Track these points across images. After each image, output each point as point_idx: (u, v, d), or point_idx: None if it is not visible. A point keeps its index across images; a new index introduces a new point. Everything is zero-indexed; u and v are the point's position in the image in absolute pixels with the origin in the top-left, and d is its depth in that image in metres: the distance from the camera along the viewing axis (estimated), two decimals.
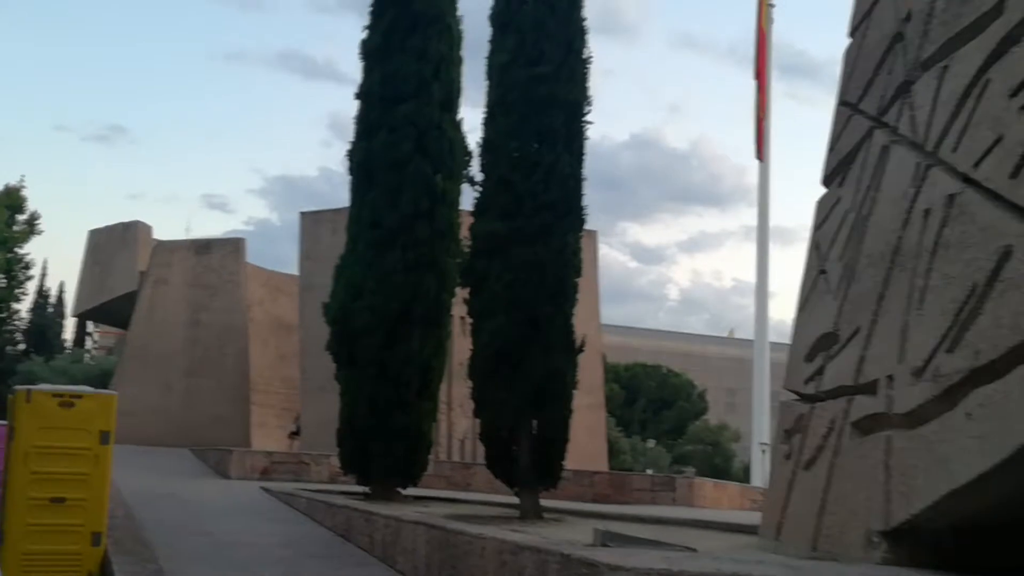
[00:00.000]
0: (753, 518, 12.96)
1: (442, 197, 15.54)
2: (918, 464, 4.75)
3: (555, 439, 13.31)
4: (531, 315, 13.07)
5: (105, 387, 31.99)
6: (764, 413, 37.66)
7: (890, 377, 5.13)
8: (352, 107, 16.18)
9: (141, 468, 18.30)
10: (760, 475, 35.54)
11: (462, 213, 15.68)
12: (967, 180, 4.81)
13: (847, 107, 6.72)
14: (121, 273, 35.35)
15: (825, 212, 6.76)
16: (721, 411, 77.33)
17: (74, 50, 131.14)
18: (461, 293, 14.68)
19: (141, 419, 29.28)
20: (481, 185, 13.86)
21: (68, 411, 9.29)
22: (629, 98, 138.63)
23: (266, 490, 16.57)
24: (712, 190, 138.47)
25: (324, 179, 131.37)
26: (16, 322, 53.32)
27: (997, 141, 4.56)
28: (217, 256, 32.03)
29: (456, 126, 16.06)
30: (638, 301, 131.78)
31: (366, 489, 15.41)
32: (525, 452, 13.17)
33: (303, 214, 27.53)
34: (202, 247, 32.40)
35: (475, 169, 14.23)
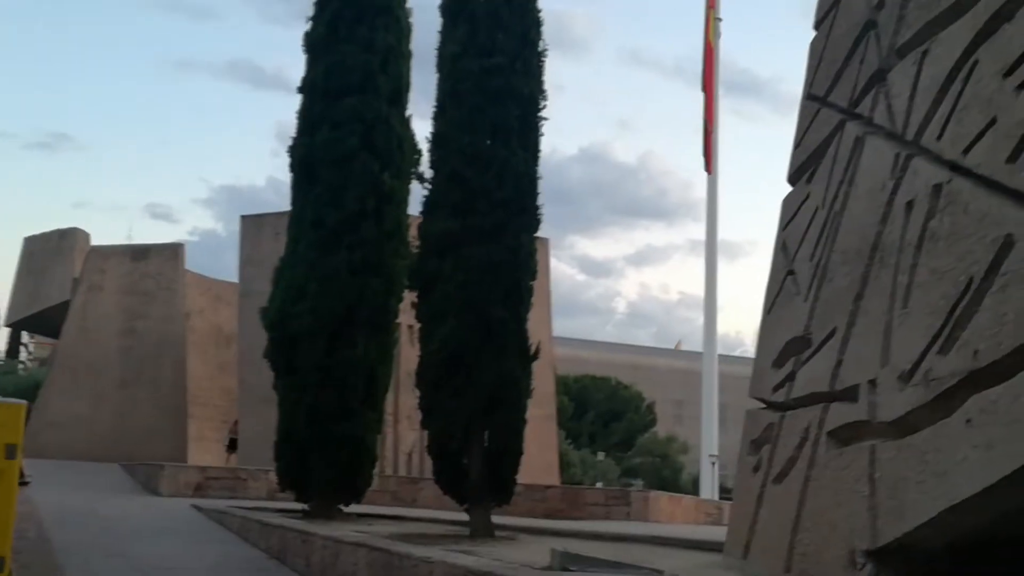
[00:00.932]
0: (712, 533, 12.39)
1: (389, 196, 14.74)
2: (909, 477, 4.20)
3: (508, 450, 12.52)
4: (484, 318, 12.28)
5: (34, 399, 30.66)
6: (713, 425, 37.56)
7: (872, 382, 4.61)
8: (296, 104, 15.25)
9: (64, 484, 17.16)
10: (710, 488, 35.34)
11: (410, 217, 14.89)
12: (955, 168, 4.32)
13: (815, 101, 6.24)
14: (57, 281, 33.87)
15: (792, 210, 6.24)
16: (669, 423, 77.16)
17: (18, 55, 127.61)
18: (409, 299, 13.87)
19: (70, 432, 27.96)
20: (431, 182, 13.05)
21: None
22: (578, 113, 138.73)
23: (197, 508, 15.55)
24: (659, 204, 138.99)
25: (272, 189, 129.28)
26: None
27: (990, 124, 4.08)
28: (154, 262, 30.70)
29: (404, 122, 15.29)
30: (586, 314, 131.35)
31: (305, 506, 14.50)
32: (476, 465, 12.35)
33: (244, 218, 26.48)
34: (139, 252, 31.04)
35: (424, 167, 13.38)
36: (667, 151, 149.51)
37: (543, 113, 13.15)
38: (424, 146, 13.36)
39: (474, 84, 12.55)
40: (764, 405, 5.98)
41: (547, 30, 13.26)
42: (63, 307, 32.28)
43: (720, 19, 39.51)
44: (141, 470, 22.04)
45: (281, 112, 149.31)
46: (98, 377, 29.25)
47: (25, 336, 63.80)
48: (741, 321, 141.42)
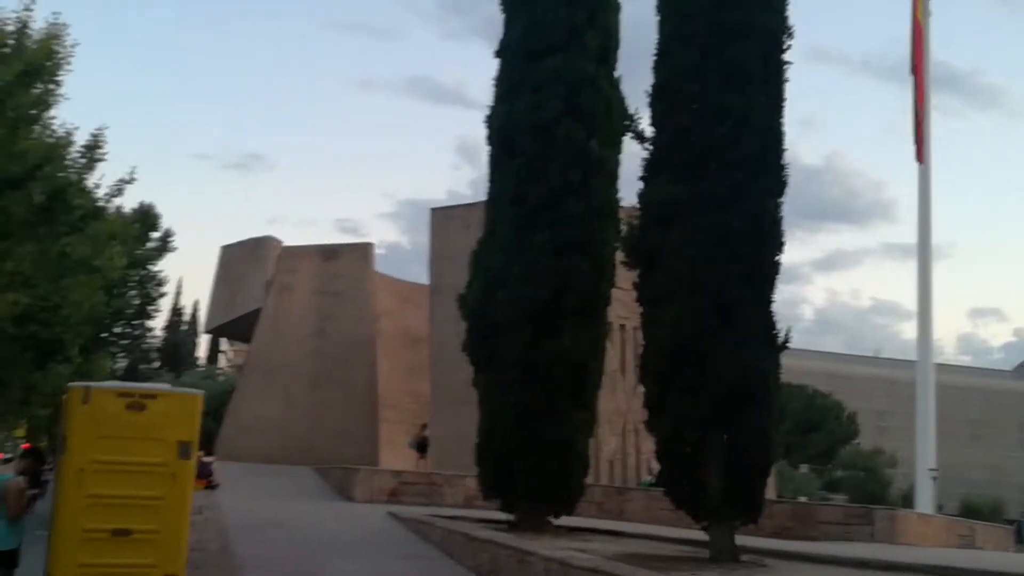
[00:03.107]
0: (987, 560, 9.85)
1: (598, 166, 12.94)
2: None
3: (755, 458, 10.40)
4: (721, 300, 10.25)
5: (225, 404, 30.77)
6: (929, 437, 33.80)
7: None
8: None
9: (255, 489, 16.29)
10: (928, 503, 31.66)
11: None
12: None
13: None
14: (252, 289, 34.01)
15: None
16: (871, 434, 71.89)
17: (211, 81, 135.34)
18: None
19: (262, 435, 27.66)
20: (652, 141, 11.13)
21: (138, 415, 7.08)
22: None
23: (394, 516, 14.20)
24: (848, 206, 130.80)
25: (453, 201, 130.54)
26: (151, 340, 53.46)
27: None
28: (345, 262, 30.13)
29: (614, 83, 13.46)
30: None
31: (510, 517, 12.87)
32: (717, 475, 10.31)
33: (433, 210, 25.32)
34: (329, 252, 30.58)
35: (644, 124, 11.44)
36: (856, 151, 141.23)
37: (787, 56, 11.00)
38: (642, 102, 11.42)
39: (706, 20, 10.57)
40: None
41: None
42: (259, 313, 32.39)
43: None
44: (335, 474, 21.17)
45: (461, 127, 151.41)
46: (290, 380, 28.94)
47: (224, 344, 66.62)
48: (939, 328, 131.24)
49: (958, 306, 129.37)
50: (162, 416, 7.11)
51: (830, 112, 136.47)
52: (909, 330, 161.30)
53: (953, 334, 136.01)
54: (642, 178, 11.19)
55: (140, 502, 6.94)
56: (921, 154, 35.52)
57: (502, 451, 12.58)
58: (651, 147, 11.17)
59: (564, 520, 13.02)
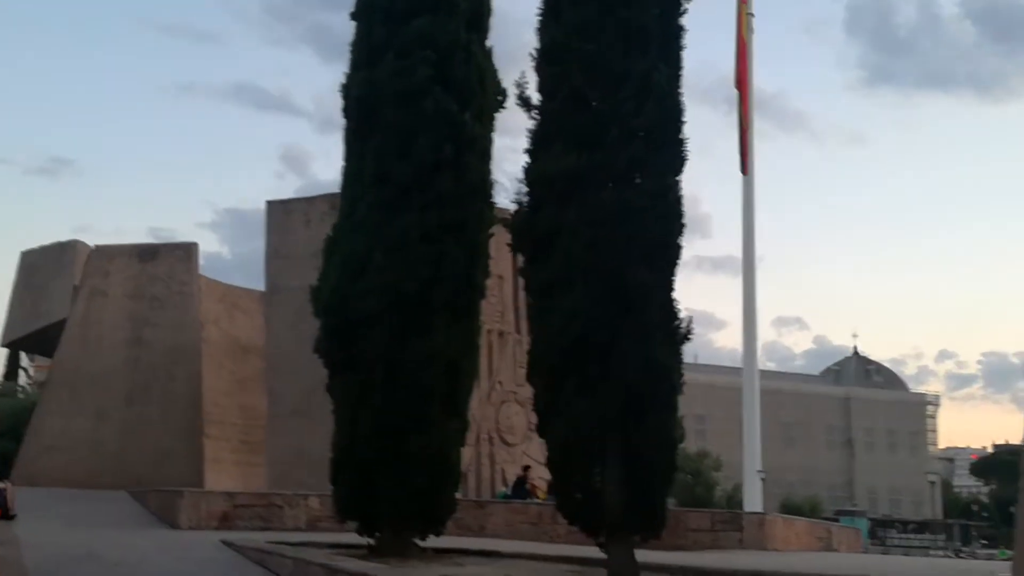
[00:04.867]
0: (873, 565, 9.15)
1: (471, 142, 11.57)
2: None
3: (659, 465, 9.27)
4: (621, 286, 9.08)
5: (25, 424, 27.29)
6: (756, 440, 34.45)
7: None
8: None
9: (62, 518, 13.88)
10: (757, 504, 32.14)
11: None
12: None
13: None
14: (58, 297, 30.45)
15: None
16: (692, 438, 73.81)
17: (17, 80, 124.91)
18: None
19: (69, 456, 24.58)
20: (540, 109, 9.85)
21: None
22: None
23: (229, 544, 12.23)
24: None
25: None
26: None
27: None
28: (165, 263, 27.20)
29: (486, 52, 12.14)
30: None
31: (369, 540, 11.23)
32: (615, 485, 9.11)
33: (270, 203, 22.97)
34: (147, 252, 27.54)
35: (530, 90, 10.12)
36: None
37: (683, 21, 9.98)
38: (526, 67, 10.12)
39: None
40: None
41: None
42: (65, 324, 29.08)
43: (752, 15, 37.15)
44: (154, 498, 18.71)
45: (286, 135, 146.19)
46: (101, 393, 25.83)
47: (24, 359, 60.73)
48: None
49: (763, 315, 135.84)
50: None
51: None
52: (721, 338, 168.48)
53: (759, 341, 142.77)
54: (528, 151, 9.88)
55: None
56: (746, 166, 36.04)
57: (362, 465, 10.97)
58: (538, 116, 9.88)
59: (429, 541, 11.50)
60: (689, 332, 9.53)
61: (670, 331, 9.40)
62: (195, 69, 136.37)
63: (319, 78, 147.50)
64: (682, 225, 9.59)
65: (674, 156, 9.64)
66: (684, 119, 9.74)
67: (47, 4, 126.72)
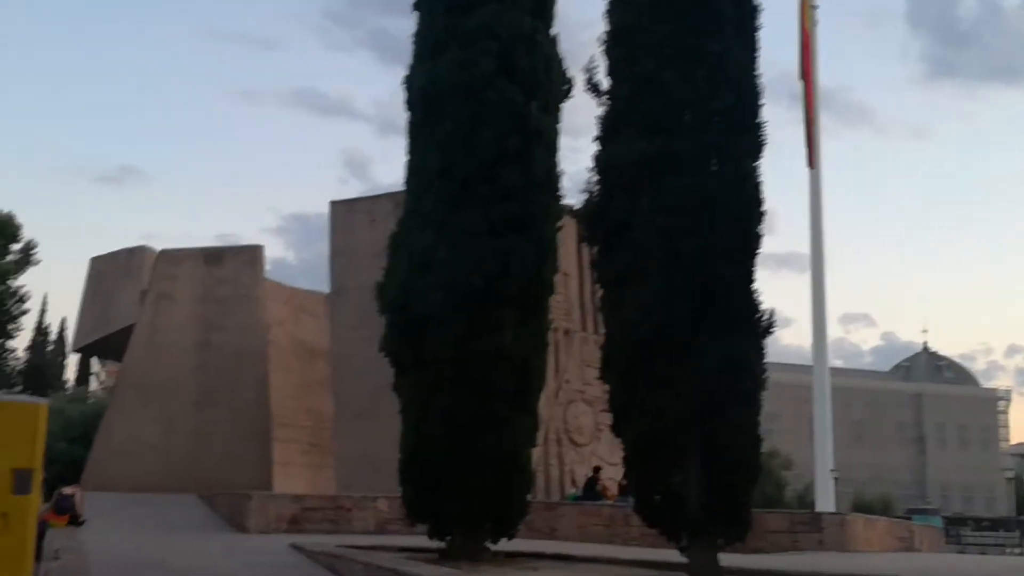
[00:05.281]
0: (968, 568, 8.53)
1: (538, 134, 11.22)
2: None
3: (741, 464, 8.83)
4: (700, 278, 8.66)
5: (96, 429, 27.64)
6: (828, 439, 33.60)
7: None
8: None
9: (130, 523, 13.88)
10: (830, 504, 31.32)
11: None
12: None
13: None
14: (126, 303, 30.89)
15: None
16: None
17: (87, 91, 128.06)
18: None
19: (138, 460, 24.75)
20: (610, 94, 9.48)
21: None
22: None
23: (299, 548, 12.06)
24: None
25: None
26: (12, 361, 49.08)
27: None
28: (231, 267, 27.33)
29: (551, 41, 11.79)
30: None
31: (441, 544, 10.94)
32: (696, 485, 8.69)
33: (333, 203, 22.95)
34: (213, 256, 27.72)
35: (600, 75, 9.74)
36: None
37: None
38: (595, 52, 9.75)
39: None
40: None
41: None
42: (133, 329, 29.45)
43: (816, 6, 36.37)
44: (223, 502, 18.71)
45: (348, 139, 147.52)
46: (170, 398, 26.07)
47: (95, 364, 61.98)
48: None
49: (830, 312, 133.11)
50: None
51: None
52: (787, 335, 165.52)
53: (827, 339, 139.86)
54: (599, 138, 9.53)
55: None
56: (812, 159, 35.22)
57: (431, 467, 10.69)
58: (608, 101, 9.52)
59: (500, 544, 11.19)
60: (771, 325, 9.10)
61: (751, 324, 8.97)
62: (257, 76, 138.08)
63: (378, 82, 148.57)
64: (762, 213, 9.16)
65: (752, 140, 9.21)
66: (761, 101, 9.33)
67: (114, 18, 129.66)
